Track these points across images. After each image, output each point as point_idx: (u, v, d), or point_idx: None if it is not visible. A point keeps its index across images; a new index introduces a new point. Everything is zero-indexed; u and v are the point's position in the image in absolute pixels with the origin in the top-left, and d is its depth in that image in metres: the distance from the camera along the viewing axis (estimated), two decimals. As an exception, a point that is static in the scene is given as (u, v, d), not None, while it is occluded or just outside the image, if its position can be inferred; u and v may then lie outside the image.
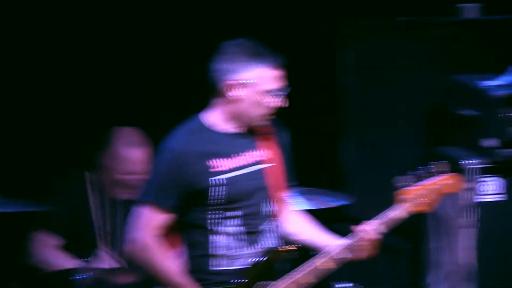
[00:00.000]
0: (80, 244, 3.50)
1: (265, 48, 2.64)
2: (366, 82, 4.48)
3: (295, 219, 2.81)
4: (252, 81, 2.59)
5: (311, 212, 2.98)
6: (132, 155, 3.52)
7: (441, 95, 4.34)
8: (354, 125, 4.49)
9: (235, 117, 2.64)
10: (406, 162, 3.90)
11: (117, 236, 3.49)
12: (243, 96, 2.60)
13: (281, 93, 2.64)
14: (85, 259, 3.46)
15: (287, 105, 2.69)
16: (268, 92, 2.60)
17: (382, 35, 4.48)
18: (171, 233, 2.70)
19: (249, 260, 2.65)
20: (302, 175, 2.97)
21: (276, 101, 2.63)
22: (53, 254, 3.50)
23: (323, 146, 4.50)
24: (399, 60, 4.48)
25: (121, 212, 3.52)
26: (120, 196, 3.55)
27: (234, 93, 2.60)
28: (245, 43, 2.64)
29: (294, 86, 2.75)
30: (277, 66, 2.62)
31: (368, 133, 4.51)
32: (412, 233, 4.14)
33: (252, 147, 2.69)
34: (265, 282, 2.66)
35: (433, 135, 4.40)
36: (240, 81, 2.59)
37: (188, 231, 2.66)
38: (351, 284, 3.90)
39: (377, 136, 4.50)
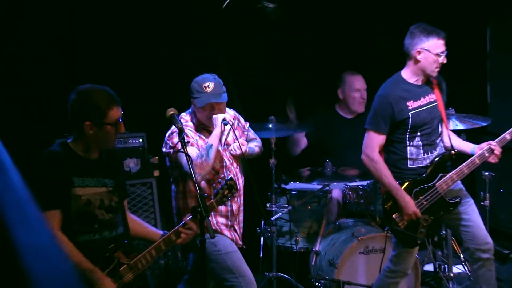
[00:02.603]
0: None
1: (435, 27, 4.10)
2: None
3: (451, 135, 4.28)
4: (430, 48, 4.03)
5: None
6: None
7: None
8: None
9: (419, 72, 4.11)
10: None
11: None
12: (425, 57, 4.06)
13: (445, 54, 4.10)
14: None
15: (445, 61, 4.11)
16: (439, 54, 4.06)
17: None
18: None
19: (430, 160, 4.12)
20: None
21: (443, 60, 4.10)
22: None
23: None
24: None
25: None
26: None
27: (419, 56, 4.07)
28: (423, 25, 4.09)
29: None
30: (443, 37, 4.08)
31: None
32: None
33: (429, 92, 4.16)
34: (442, 174, 4.11)
35: None
36: (423, 48, 4.06)
37: (393, 144, 4.14)
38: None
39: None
